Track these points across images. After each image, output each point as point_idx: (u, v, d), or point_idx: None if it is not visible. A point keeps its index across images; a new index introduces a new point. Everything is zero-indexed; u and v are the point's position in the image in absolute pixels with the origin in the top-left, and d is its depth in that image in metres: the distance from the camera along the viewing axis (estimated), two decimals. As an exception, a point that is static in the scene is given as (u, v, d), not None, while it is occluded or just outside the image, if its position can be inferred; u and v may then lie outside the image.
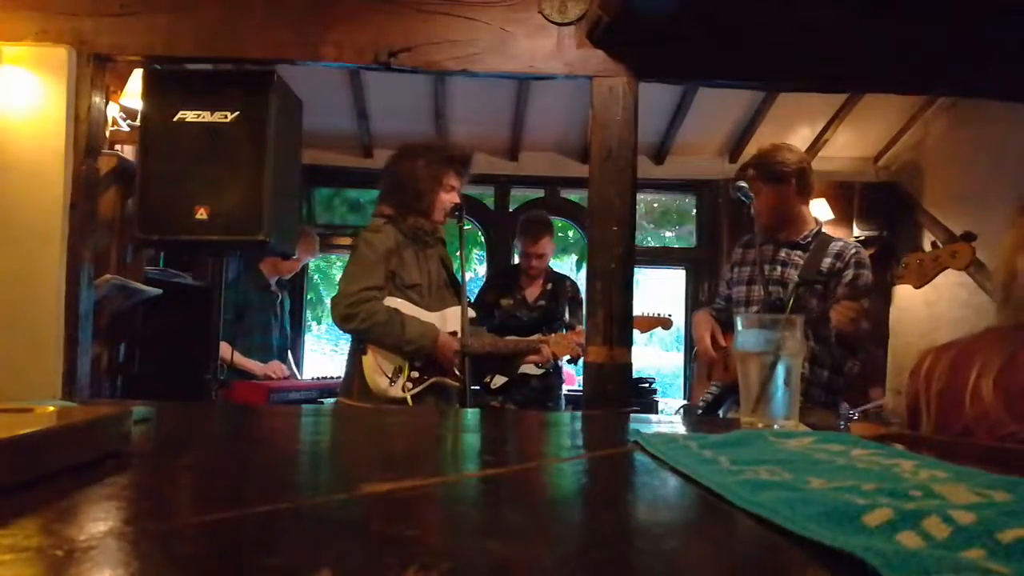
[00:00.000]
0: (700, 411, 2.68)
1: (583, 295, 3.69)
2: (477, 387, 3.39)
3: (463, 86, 4.24)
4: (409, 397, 2.38)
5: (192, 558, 0.41)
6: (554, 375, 3.54)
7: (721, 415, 2.63)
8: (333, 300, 2.40)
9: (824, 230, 2.59)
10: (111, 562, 0.39)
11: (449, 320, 2.49)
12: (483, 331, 2.88)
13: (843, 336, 2.32)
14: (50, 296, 2.59)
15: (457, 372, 2.46)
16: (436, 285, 2.53)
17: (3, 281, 2.57)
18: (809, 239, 2.53)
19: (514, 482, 0.67)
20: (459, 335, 2.43)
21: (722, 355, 2.60)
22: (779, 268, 2.52)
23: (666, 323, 3.32)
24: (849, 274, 2.42)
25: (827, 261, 2.46)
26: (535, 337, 2.78)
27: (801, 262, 2.49)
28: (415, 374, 2.42)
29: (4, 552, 0.38)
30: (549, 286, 3.61)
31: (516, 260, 3.72)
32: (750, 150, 4.86)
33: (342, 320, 2.36)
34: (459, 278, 2.59)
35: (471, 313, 2.53)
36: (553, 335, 2.99)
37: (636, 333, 3.15)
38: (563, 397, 3.74)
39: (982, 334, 1.08)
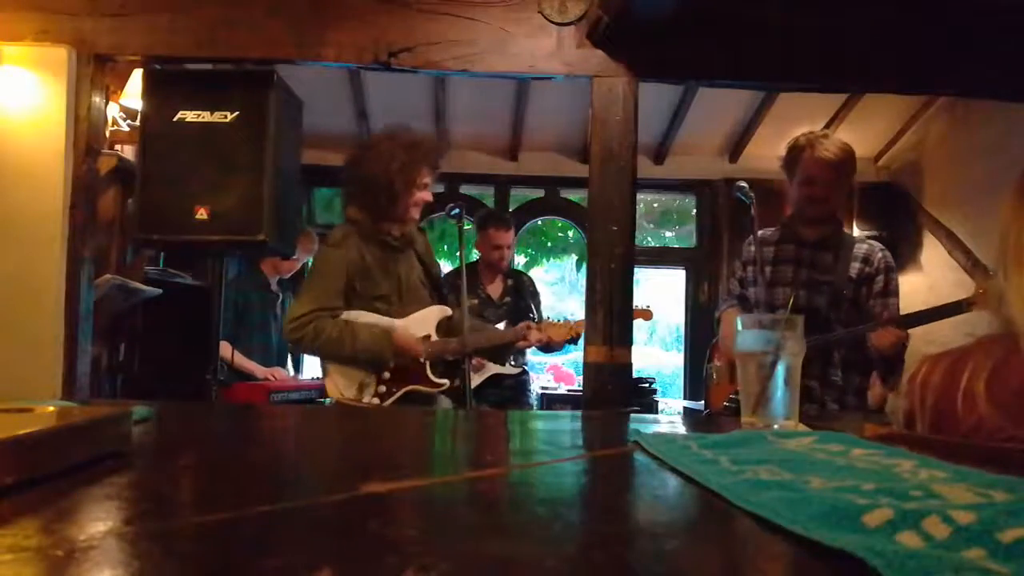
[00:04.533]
0: (725, 416, 2.58)
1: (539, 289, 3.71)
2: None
3: (463, 86, 4.24)
4: None
5: (192, 558, 0.41)
6: (524, 374, 3.53)
7: None
8: (284, 322, 2.30)
9: (842, 230, 2.49)
10: (111, 562, 0.39)
11: (426, 321, 2.39)
12: (482, 325, 2.80)
13: (884, 357, 2.24)
14: (50, 296, 2.59)
15: (432, 378, 2.35)
16: (408, 289, 2.40)
17: (3, 281, 2.58)
18: (830, 237, 2.40)
19: (514, 482, 0.67)
20: (431, 337, 2.36)
21: None
22: (804, 271, 2.39)
23: (646, 314, 3.31)
24: (881, 280, 2.34)
25: (856, 266, 2.35)
26: (521, 324, 2.65)
27: (827, 264, 2.37)
28: (382, 388, 2.31)
29: (4, 552, 0.38)
30: (510, 282, 3.58)
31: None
32: (750, 150, 4.87)
33: (293, 343, 2.28)
34: (438, 277, 2.55)
35: (447, 312, 2.44)
36: (545, 321, 2.90)
37: (646, 322, 3.14)
38: (535, 393, 3.71)
39: (975, 343, 1.07)
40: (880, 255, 2.38)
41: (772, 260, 2.45)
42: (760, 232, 2.49)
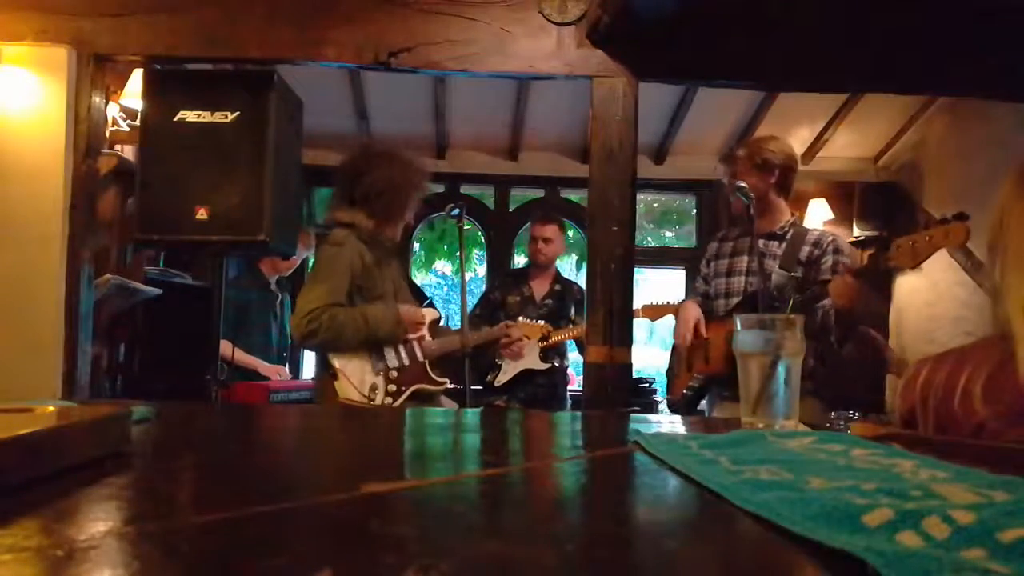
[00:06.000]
0: (683, 404, 2.66)
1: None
2: (480, 387, 3.41)
3: (463, 86, 4.24)
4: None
5: (192, 558, 0.41)
6: (559, 373, 3.56)
7: (705, 408, 2.64)
8: (293, 322, 2.33)
9: (797, 223, 2.65)
10: (111, 562, 0.39)
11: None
12: (449, 329, 2.88)
13: (840, 314, 2.35)
14: (50, 296, 2.59)
15: (434, 376, 2.47)
16: (399, 290, 2.54)
17: (3, 281, 2.58)
18: (786, 229, 2.60)
19: (514, 482, 0.67)
20: (425, 337, 2.48)
21: (703, 347, 2.60)
22: (756, 259, 2.55)
23: (677, 310, 3.34)
24: (828, 260, 2.49)
25: (805, 249, 2.53)
26: (501, 324, 2.82)
27: (779, 252, 2.56)
28: (392, 387, 2.40)
29: (4, 552, 0.38)
30: (557, 286, 3.63)
31: (524, 261, 3.83)
32: (750, 150, 4.87)
33: (304, 338, 2.30)
34: (413, 283, 2.64)
35: (436, 315, 2.56)
36: (519, 319, 3.05)
37: (646, 322, 3.20)
38: (568, 397, 3.74)
39: (975, 344, 1.07)
40: (830, 238, 2.56)
41: (731, 253, 2.67)
42: (723, 231, 2.81)
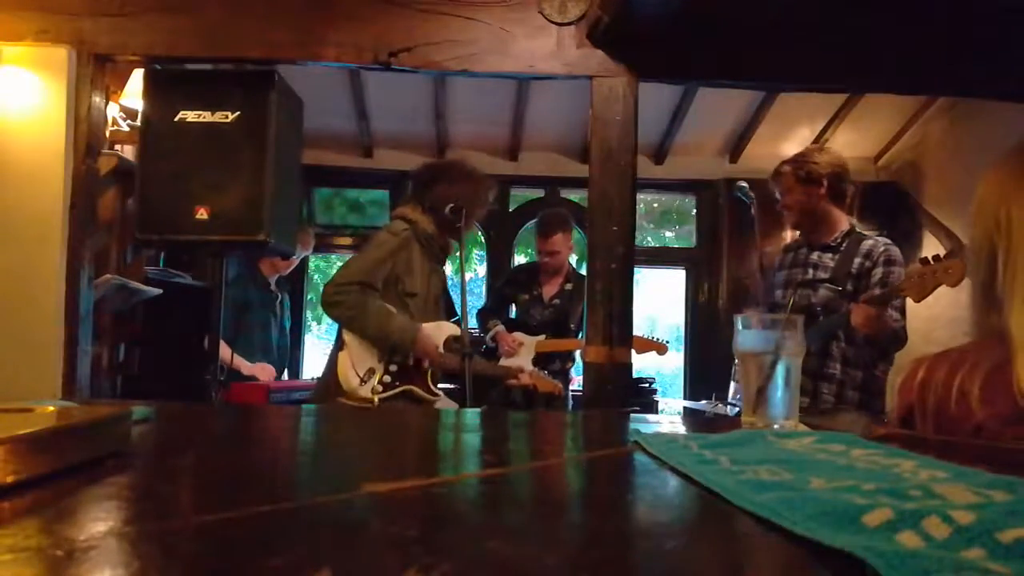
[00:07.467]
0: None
1: None
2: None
3: (463, 86, 4.24)
4: (376, 399, 2.41)
5: (192, 558, 0.41)
6: (560, 375, 3.56)
7: None
8: (325, 285, 2.44)
9: (854, 231, 2.59)
10: (111, 562, 0.39)
11: (437, 334, 2.56)
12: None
13: (868, 338, 2.34)
14: (50, 296, 2.59)
15: (431, 386, 2.52)
16: (433, 298, 2.61)
17: (3, 281, 2.57)
18: (839, 240, 2.55)
19: (514, 482, 0.67)
20: (439, 348, 2.52)
21: None
22: (810, 271, 2.56)
23: (661, 348, 3.38)
24: (879, 272, 2.44)
25: (857, 261, 2.48)
26: (516, 367, 3.01)
27: (832, 264, 2.52)
28: (387, 379, 2.46)
29: (4, 552, 0.38)
30: (568, 285, 3.63)
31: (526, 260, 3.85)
32: (750, 150, 4.87)
33: (329, 306, 2.40)
34: (450, 298, 2.73)
35: (456, 331, 2.61)
36: (543, 372, 3.21)
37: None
38: (571, 397, 3.74)
39: (973, 344, 1.07)
40: (882, 249, 2.48)
41: (790, 264, 2.66)
42: (787, 243, 2.79)
